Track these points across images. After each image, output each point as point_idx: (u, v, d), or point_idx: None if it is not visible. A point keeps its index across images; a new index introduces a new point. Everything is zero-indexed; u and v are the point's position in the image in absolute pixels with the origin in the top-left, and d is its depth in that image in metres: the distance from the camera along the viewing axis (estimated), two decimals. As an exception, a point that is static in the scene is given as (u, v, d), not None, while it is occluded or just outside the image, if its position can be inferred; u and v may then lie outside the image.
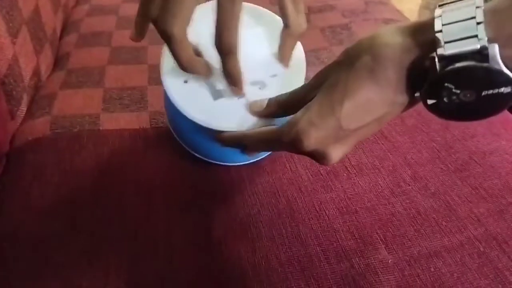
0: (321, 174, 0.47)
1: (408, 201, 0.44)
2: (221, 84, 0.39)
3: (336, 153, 0.32)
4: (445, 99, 0.27)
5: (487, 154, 0.49)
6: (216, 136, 0.39)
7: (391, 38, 0.28)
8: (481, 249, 0.40)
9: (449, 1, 0.27)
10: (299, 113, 0.32)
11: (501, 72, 0.25)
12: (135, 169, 0.47)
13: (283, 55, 0.41)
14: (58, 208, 0.43)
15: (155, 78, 0.59)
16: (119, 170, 0.47)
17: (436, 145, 0.50)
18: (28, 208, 0.44)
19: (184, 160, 0.48)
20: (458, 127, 0.52)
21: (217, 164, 0.47)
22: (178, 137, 0.48)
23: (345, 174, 0.47)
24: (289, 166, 0.48)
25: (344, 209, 0.44)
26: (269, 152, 0.48)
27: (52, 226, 0.42)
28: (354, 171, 0.47)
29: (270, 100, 0.38)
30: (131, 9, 0.75)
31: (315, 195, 0.45)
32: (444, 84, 0.26)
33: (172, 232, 0.42)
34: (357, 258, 0.40)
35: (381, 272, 0.39)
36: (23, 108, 0.54)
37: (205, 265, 0.39)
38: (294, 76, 0.41)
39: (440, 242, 0.41)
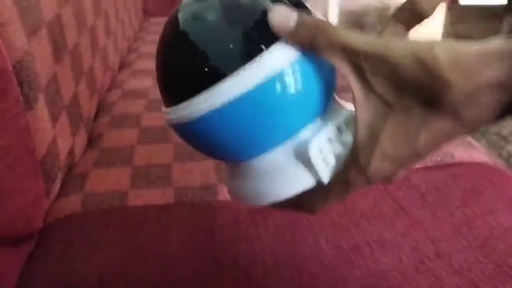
0: (343, 248, 0.47)
1: (433, 279, 0.44)
2: None
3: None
4: None
5: (508, 230, 0.49)
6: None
7: None
8: (512, 329, 0.39)
9: None
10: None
11: None
12: (156, 243, 0.49)
13: None
14: (85, 282, 0.44)
15: (181, 155, 0.62)
16: (142, 244, 0.49)
17: (457, 221, 0.51)
18: (57, 282, 0.45)
19: (205, 234, 0.50)
20: (477, 203, 0.53)
21: (233, 232, 0.48)
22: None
23: (367, 249, 0.47)
24: (311, 238, 0.48)
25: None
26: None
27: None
28: (377, 246, 0.48)
29: (301, 20, 0.26)
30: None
31: (338, 270, 0.45)
32: None
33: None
34: (384, 338, 0.39)
35: None
36: (57, 186, 0.57)
37: None
38: None
39: (468, 321, 0.40)
